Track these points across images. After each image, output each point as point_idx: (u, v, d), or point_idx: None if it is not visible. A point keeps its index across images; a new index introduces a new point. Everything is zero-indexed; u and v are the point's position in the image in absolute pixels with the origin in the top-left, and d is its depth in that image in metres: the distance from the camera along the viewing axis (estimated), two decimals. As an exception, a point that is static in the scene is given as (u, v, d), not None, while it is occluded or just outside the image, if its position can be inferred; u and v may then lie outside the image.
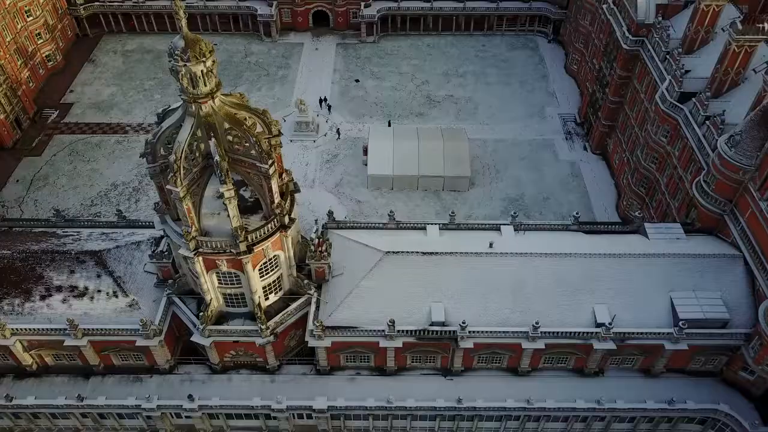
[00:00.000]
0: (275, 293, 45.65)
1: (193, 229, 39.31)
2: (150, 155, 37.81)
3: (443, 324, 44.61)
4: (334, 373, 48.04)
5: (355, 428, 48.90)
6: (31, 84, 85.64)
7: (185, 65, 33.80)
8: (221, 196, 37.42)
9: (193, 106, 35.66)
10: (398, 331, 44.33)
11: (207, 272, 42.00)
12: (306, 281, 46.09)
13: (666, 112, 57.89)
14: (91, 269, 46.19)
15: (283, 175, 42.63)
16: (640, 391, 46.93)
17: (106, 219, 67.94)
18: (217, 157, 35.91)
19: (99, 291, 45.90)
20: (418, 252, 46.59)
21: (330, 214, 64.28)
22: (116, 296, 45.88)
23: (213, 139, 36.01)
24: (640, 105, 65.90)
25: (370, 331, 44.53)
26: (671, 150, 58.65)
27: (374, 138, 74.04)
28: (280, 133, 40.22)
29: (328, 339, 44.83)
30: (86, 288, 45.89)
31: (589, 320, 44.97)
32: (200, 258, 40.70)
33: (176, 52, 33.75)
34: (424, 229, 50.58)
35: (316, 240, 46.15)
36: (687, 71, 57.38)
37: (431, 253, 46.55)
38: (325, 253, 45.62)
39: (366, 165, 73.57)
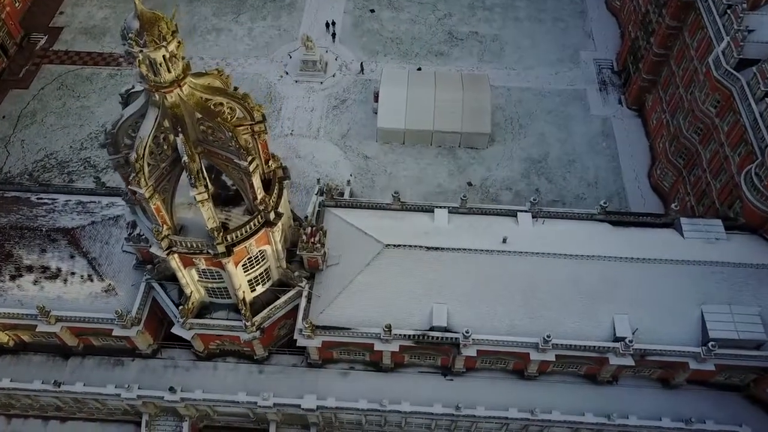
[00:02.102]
0: (263, 285, 41.61)
1: (165, 228, 34.70)
2: (111, 146, 32.59)
3: (445, 329, 40.54)
4: (326, 366, 44.86)
5: (348, 421, 46.31)
6: (17, 4, 78.44)
7: (142, 51, 27.84)
8: (195, 196, 32.56)
9: (157, 96, 29.99)
10: (395, 335, 40.43)
11: (185, 268, 37.87)
12: (297, 273, 41.84)
13: (718, 79, 50.15)
14: (63, 249, 42.31)
15: (270, 162, 37.27)
16: (656, 403, 43.23)
17: (93, 173, 63.72)
18: (185, 158, 30.63)
19: (73, 273, 42.25)
20: (421, 246, 41.78)
21: (348, 183, 59.67)
22: (91, 280, 42.25)
23: (181, 135, 30.56)
24: (689, 63, 57.69)
25: (365, 333, 40.65)
26: (719, 124, 51.44)
27: (387, 83, 66.93)
28: (264, 119, 34.42)
29: (318, 339, 41.17)
30: (59, 269, 42.24)
31: (607, 332, 40.54)
32: (175, 255, 36.43)
33: (130, 34, 27.67)
34: (432, 212, 45.49)
35: (309, 229, 41.36)
36: (750, 31, 49.10)
37: (436, 249, 41.75)
38: (318, 245, 41.00)
39: (376, 113, 67.09)
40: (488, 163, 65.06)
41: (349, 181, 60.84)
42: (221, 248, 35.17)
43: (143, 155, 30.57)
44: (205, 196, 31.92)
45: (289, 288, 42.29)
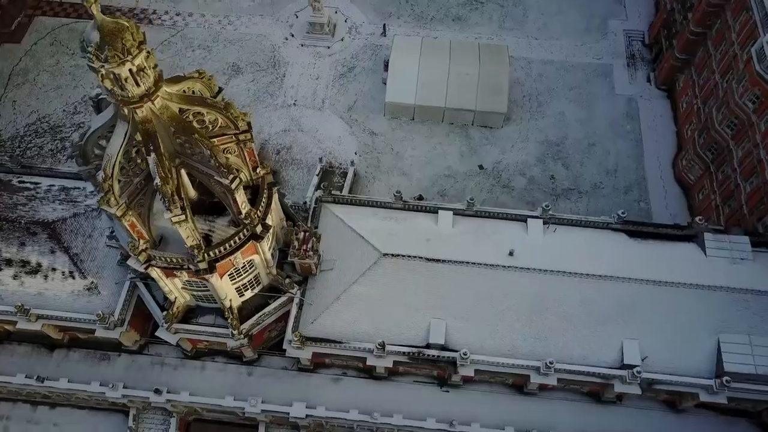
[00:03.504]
0: (251, 290, 39.24)
1: (142, 242, 32.12)
2: (79, 158, 29.63)
3: (442, 347, 38.26)
4: (318, 371, 43.09)
5: (339, 424, 44.90)
6: (8, -54, 73.44)
7: (103, 66, 24.44)
8: (171, 213, 29.72)
9: (126, 110, 26.76)
10: (389, 351, 38.28)
11: (167, 278, 35.51)
12: (288, 280, 39.39)
13: (760, 73, 45.45)
14: (43, 243, 40.09)
15: (258, 169, 34.12)
16: (661, 426, 41.24)
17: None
18: (157, 180, 27.66)
19: (53, 269, 40.19)
20: (421, 257, 38.99)
21: (352, 163, 56.45)
22: (72, 277, 40.20)
23: (153, 155, 27.46)
24: (729, 48, 52.49)
25: (357, 347, 38.51)
26: (756, 121, 47.08)
27: (397, 53, 62.27)
28: (249, 127, 31.10)
29: (308, 350, 39.17)
30: (39, 265, 40.17)
31: (614, 357, 38.04)
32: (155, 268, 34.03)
33: (89, 47, 24.21)
34: (436, 213, 42.46)
35: (302, 234, 38.59)
36: (800, 21, 44.11)
37: (437, 261, 38.96)
38: (310, 252, 38.35)
39: (385, 84, 62.81)
40: (502, 144, 61.15)
41: (353, 162, 57.52)
42: (203, 265, 32.64)
43: (112, 174, 27.65)
44: (182, 217, 29.10)
45: (279, 293, 39.97)
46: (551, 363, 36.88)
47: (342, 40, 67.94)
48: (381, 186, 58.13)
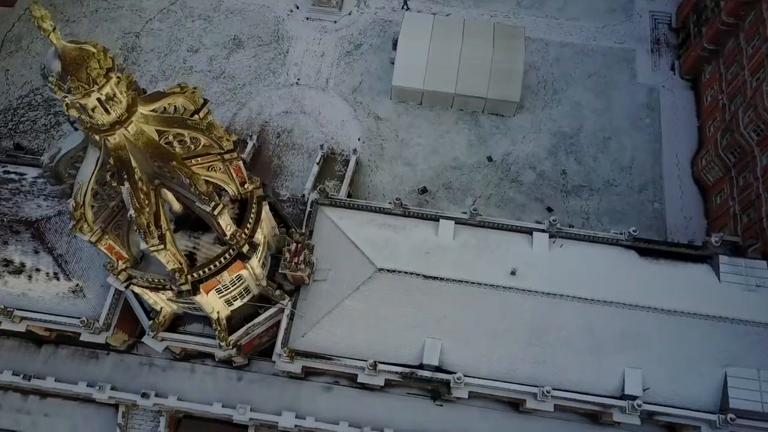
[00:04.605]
0: (241, 299, 37.77)
1: (121, 263, 30.46)
2: (51, 178, 27.67)
3: (437, 368, 36.90)
4: (309, 378, 42.02)
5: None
6: None
7: (66, 97, 22.18)
8: (149, 238, 27.90)
9: (97, 137, 24.60)
10: (381, 369, 37.00)
11: (151, 292, 34.03)
12: (278, 291, 37.83)
13: (795, 79, 42.26)
14: (26, 243, 38.65)
15: (246, 185, 32.03)
16: (658, 451, 40.12)
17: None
18: (131, 212, 25.71)
19: (37, 270, 38.90)
20: (418, 274, 37.18)
21: (354, 151, 54.34)
22: (57, 278, 38.91)
23: (126, 184, 25.43)
24: (762, 45, 48.72)
25: (348, 364, 37.24)
26: (786, 130, 44.09)
27: (406, 33, 58.73)
28: (235, 147, 28.82)
29: (298, 363, 37.98)
30: (23, 264, 38.86)
31: (615, 386, 36.58)
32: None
33: (50, 77, 21.89)
34: (437, 221, 40.44)
35: (294, 246, 36.79)
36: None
37: (434, 278, 37.18)
38: (302, 265, 36.63)
39: (393, 64, 59.57)
40: (513, 135, 58.24)
41: (355, 150, 55.01)
42: (186, 287, 31.04)
43: (83, 203, 25.73)
44: (161, 246, 27.28)
45: (270, 303, 38.51)
46: (548, 392, 35.45)
47: (350, 14, 64.27)
48: (384, 176, 55.85)
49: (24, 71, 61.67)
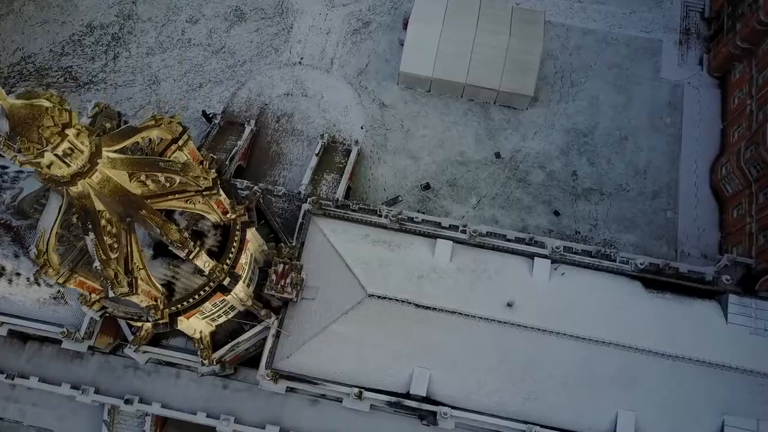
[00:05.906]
0: (225, 315, 36.51)
1: (94, 295, 29.01)
2: (16, 215, 25.87)
3: (424, 398, 35.83)
4: (296, 390, 41.22)
5: (315, 438, 43.88)
6: None
7: (16, 157, 20.09)
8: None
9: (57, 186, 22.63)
10: (366, 398, 36.01)
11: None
12: (264, 311, 36.46)
13: (831, 102, 38.98)
14: (6, 246, 37.01)
15: (228, 214, 30.11)
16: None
17: (74, 87, 56.06)
18: (97, 264, 23.99)
19: (18, 274, 37.55)
20: (409, 303, 35.57)
21: (356, 143, 51.95)
22: (38, 284, 37.66)
23: (91, 235, 23.61)
24: (799, 54, 45.14)
25: (333, 390, 36.25)
26: (815, 155, 41.08)
27: (418, 14, 54.98)
28: (214, 184, 26.81)
29: (282, 385, 37.04)
30: (3, 268, 37.48)
31: (607, 428, 35.36)
32: (113, 311, 31.21)
33: (-1, 136, 19.75)
34: (434, 239, 38.54)
35: (281, 267, 35.17)
36: None
37: (426, 308, 35.53)
38: (288, 287, 35.11)
39: (402, 45, 56.14)
40: (524, 130, 55.28)
41: (357, 141, 52.43)
42: (163, 320, 29.69)
43: (46, 250, 24.03)
44: (131, 293, 25.67)
45: (255, 320, 37.26)
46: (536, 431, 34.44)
47: (359, -13, 60.22)
48: (386, 169, 53.49)
49: (15, 36, 58.88)
